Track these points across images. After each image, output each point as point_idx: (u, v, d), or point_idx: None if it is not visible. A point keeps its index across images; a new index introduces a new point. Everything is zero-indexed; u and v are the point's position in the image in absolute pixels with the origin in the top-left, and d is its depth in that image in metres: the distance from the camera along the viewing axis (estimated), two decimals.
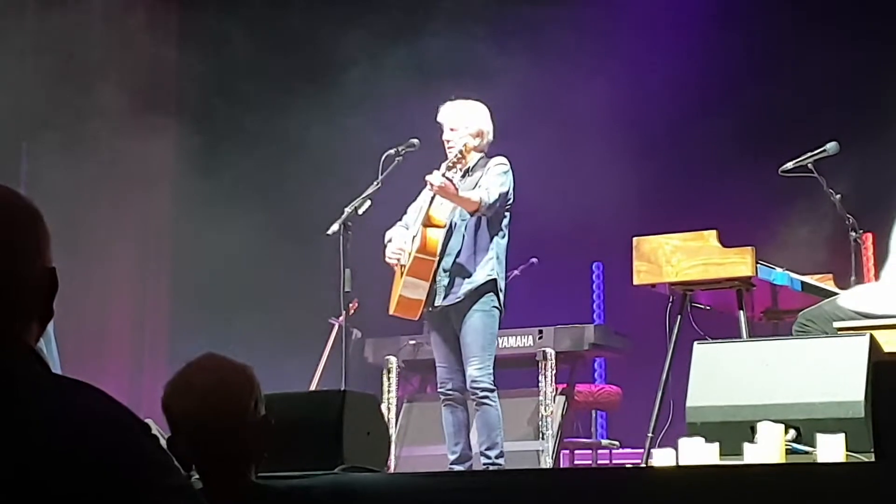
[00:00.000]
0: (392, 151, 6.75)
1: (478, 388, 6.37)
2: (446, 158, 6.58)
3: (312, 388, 8.46)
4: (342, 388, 5.93)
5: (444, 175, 6.31)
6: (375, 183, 6.71)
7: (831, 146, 6.56)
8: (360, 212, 6.64)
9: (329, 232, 6.61)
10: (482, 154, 6.62)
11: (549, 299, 8.80)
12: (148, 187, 9.74)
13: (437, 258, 6.43)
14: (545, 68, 8.86)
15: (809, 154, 6.56)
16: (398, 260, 6.56)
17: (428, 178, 6.35)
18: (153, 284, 10.09)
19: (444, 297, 6.43)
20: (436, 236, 6.45)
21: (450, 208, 6.46)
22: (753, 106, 9.09)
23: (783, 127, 8.49)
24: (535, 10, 9.32)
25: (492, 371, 6.41)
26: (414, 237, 6.53)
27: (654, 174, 9.24)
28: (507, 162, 6.52)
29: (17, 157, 9.33)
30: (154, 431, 1.75)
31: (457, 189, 6.33)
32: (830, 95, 8.76)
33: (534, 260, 8.47)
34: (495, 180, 6.43)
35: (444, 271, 6.44)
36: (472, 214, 6.40)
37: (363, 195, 6.67)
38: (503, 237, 6.54)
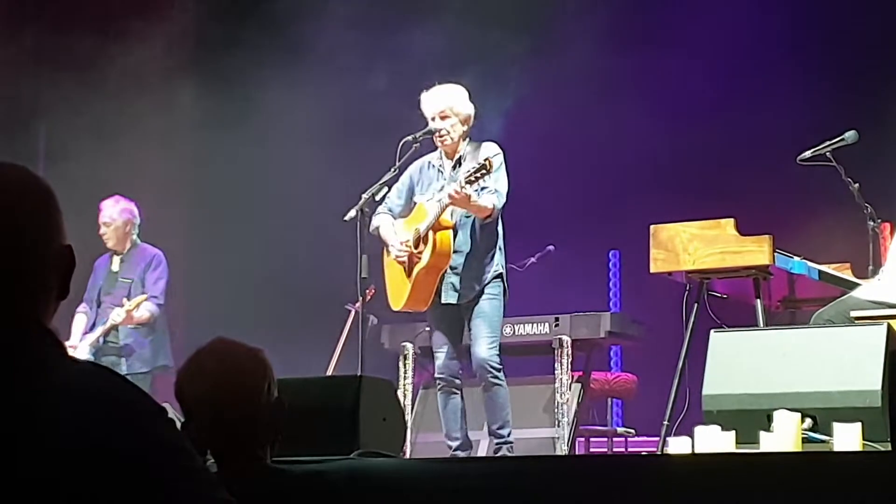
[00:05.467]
0: (409, 138, 6.74)
1: (488, 368, 6.40)
2: (435, 147, 6.61)
3: (329, 373, 8.47)
4: (358, 374, 5.94)
5: (462, 186, 6.24)
6: (392, 169, 6.71)
7: (850, 135, 6.53)
8: (378, 198, 6.65)
9: (346, 218, 6.62)
10: (468, 138, 6.60)
11: (566, 287, 8.79)
12: (165, 173, 9.74)
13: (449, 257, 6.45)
14: (565, 55, 8.84)
15: (828, 143, 6.54)
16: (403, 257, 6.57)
17: (450, 192, 6.26)
18: (169, 270, 10.09)
19: (457, 297, 6.46)
20: (447, 237, 6.45)
21: (455, 209, 6.45)
22: (772, 93, 9.05)
23: (802, 115, 8.46)
24: None
25: (499, 352, 6.45)
26: (421, 237, 6.49)
27: (672, 162, 9.22)
28: (500, 150, 6.49)
29: (35, 139, 9.36)
30: (171, 416, 1.75)
31: (470, 199, 6.29)
32: (850, 83, 8.73)
33: (550, 247, 8.46)
34: (497, 177, 6.38)
35: (453, 269, 6.45)
36: (483, 220, 6.39)
37: (380, 181, 6.67)
38: (502, 226, 6.56)
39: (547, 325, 7.66)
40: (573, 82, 8.98)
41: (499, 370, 6.45)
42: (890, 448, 4.27)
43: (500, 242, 6.56)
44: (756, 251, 6.20)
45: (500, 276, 6.50)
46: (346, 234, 6.66)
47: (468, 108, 6.57)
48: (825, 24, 8.91)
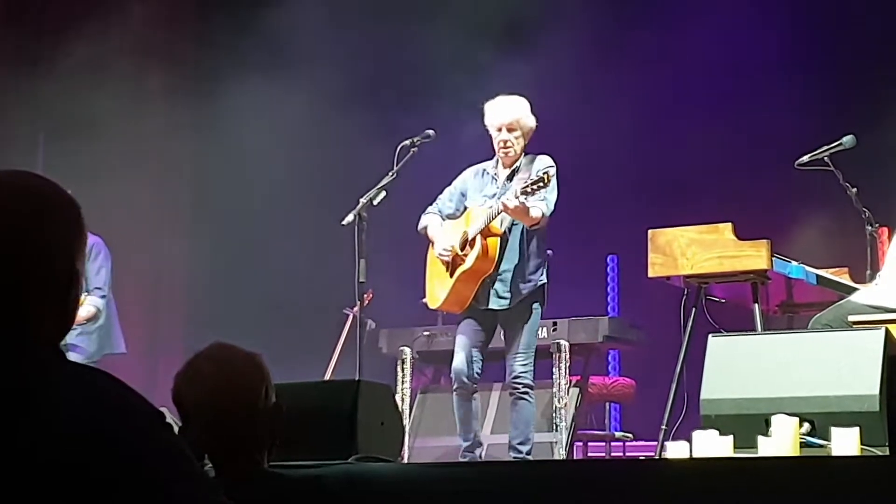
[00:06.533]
0: (407, 142, 6.75)
1: (520, 384, 6.46)
2: (492, 156, 6.60)
3: (327, 378, 8.47)
4: (356, 378, 5.93)
5: (517, 196, 6.22)
6: (391, 174, 6.71)
7: (847, 139, 6.53)
8: (376, 202, 6.65)
9: (344, 222, 6.61)
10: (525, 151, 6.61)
11: (564, 291, 8.76)
12: (164, 178, 9.75)
13: (496, 263, 6.45)
14: (561, 58, 8.84)
15: (825, 147, 6.53)
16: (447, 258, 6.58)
17: (505, 201, 6.25)
18: (168, 275, 10.10)
19: (502, 302, 6.46)
20: (495, 244, 6.45)
21: (504, 217, 6.45)
22: (770, 98, 9.06)
23: (800, 119, 8.46)
24: None
25: (533, 368, 6.48)
26: (468, 241, 6.50)
27: (670, 166, 9.22)
28: (554, 164, 6.48)
29: (34, 149, 9.35)
30: (168, 420, 1.75)
31: (527, 209, 6.30)
32: (848, 88, 8.73)
33: (548, 252, 8.45)
34: (549, 187, 6.36)
35: (499, 276, 6.45)
36: (530, 227, 6.40)
37: (378, 186, 6.67)
38: (546, 238, 6.57)
39: (545, 329, 7.65)
40: (570, 86, 8.98)
41: (531, 387, 6.50)
42: (888, 452, 4.27)
43: (546, 256, 6.58)
44: (754, 256, 6.20)
45: (543, 287, 6.52)
46: (345, 239, 6.65)
47: (532, 122, 6.58)
48: (823, 28, 8.92)
